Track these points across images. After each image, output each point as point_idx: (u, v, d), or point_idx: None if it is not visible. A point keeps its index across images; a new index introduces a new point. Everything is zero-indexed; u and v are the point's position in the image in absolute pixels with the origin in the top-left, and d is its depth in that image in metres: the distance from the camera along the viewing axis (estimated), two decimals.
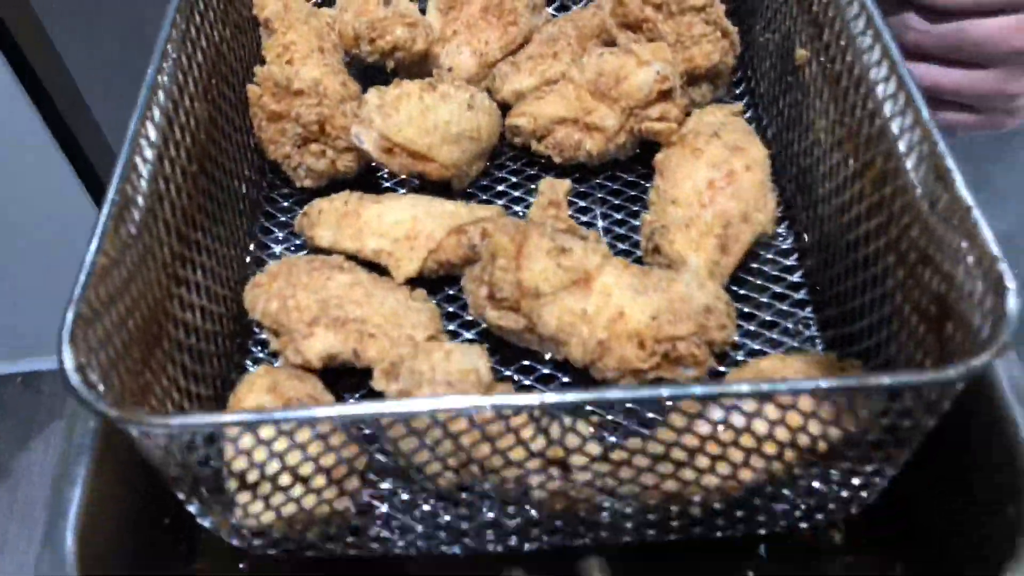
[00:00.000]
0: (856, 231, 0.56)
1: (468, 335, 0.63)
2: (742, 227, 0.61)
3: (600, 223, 0.69)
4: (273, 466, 0.45)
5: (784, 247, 0.67)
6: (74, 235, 0.76)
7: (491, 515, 0.49)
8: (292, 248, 0.70)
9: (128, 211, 0.50)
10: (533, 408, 0.42)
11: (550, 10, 0.82)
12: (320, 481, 0.46)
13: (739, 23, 0.74)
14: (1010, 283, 0.41)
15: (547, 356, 0.60)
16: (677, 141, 0.67)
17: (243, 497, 0.47)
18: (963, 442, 0.50)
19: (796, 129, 0.67)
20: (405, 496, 0.52)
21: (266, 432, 0.43)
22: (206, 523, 0.49)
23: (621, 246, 0.67)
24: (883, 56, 0.54)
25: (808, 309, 0.63)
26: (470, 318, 0.62)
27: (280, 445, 0.43)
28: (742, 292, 0.64)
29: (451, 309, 0.64)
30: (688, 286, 0.56)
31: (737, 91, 0.78)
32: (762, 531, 0.51)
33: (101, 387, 0.43)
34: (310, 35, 0.72)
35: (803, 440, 0.45)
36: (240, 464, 0.45)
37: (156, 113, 0.55)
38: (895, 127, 0.52)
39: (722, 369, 0.58)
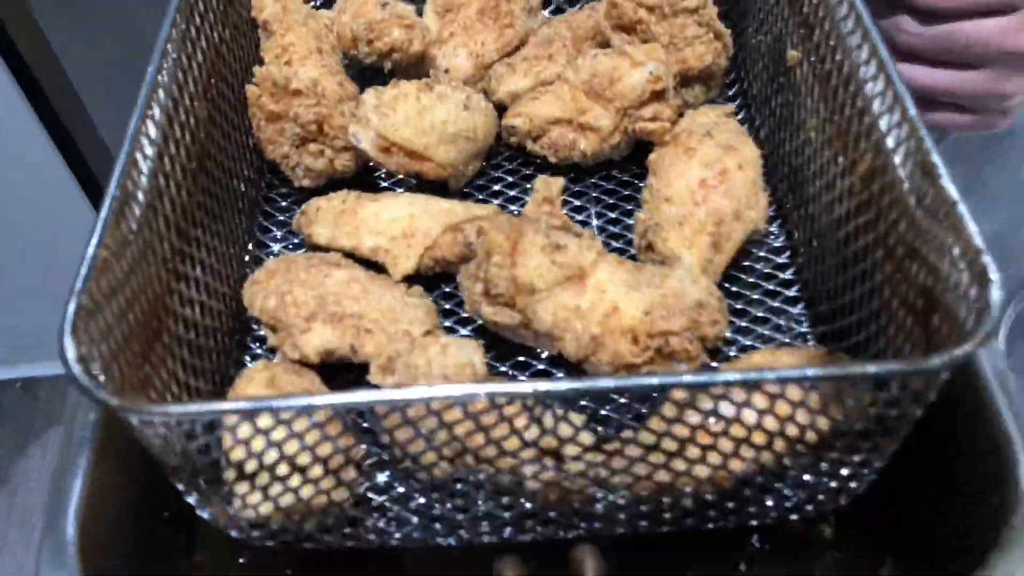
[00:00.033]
0: (846, 227, 0.57)
1: (464, 331, 0.63)
2: (734, 225, 0.62)
3: (595, 222, 0.70)
4: (271, 456, 0.45)
5: (776, 245, 0.68)
6: (71, 237, 0.76)
7: (486, 506, 0.50)
8: (290, 247, 0.70)
9: (129, 207, 0.51)
10: (527, 396, 0.43)
11: (545, 12, 0.83)
12: (317, 471, 0.47)
13: (732, 25, 0.75)
14: (993, 275, 0.41)
15: (542, 352, 0.61)
16: (670, 141, 0.67)
17: (241, 488, 0.47)
18: (948, 432, 0.50)
19: (787, 129, 0.68)
20: (401, 488, 0.53)
21: (264, 421, 0.43)
22: (205, 514, 0.49)
23: (615, 245, 0.68)
24: (871, 55, 0.55)
25: (799, 306, 0.64)
26: (466, 315, 0.63)
27: (278, 434, 0.44)
28: (734, 289, 0.64)
29: (447, 306, 0.65)
30: (681, 282, 0.57)
31: (730, 92, 0.79)
32: (753, 522, 0.52)
33: (102, 378, 0.43)
34: (308, 36, 0.73)
35: (792, 430, 0.46)
36: (238, 454, 0.45)
37: (156, 111, 0.56)
38: (883, 124, 0.53)
39: (714, 364, 0.59)
